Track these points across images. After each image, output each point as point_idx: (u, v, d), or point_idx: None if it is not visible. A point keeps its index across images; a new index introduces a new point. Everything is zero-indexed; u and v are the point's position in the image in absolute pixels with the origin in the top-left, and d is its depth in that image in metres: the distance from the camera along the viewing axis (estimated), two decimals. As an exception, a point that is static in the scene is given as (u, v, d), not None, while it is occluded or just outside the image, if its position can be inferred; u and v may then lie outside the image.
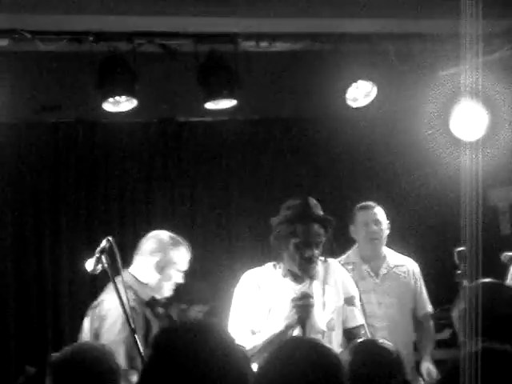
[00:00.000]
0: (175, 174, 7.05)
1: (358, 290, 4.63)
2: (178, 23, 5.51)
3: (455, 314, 3.34)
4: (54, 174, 6.79)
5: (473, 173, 2.32)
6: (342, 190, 7.19)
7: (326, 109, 6.45)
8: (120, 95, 5.57)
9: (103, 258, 4.06)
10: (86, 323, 4.53)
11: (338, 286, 4.49)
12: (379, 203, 5.56)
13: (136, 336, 3.99)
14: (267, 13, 5.47)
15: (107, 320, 4.36)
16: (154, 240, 4.62)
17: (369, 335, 4.56)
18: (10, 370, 6.39)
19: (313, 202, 4.40)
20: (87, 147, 6.84)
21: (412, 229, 7.15)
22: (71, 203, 6.79)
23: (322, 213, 4.40)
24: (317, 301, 4.31)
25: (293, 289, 4.36)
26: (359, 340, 3.66)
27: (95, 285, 5.49)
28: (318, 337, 4.20)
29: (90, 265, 4.10)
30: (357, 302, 4.57)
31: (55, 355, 3.29)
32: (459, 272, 4.84)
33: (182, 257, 4.61)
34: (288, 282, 4.40)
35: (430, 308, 5.66)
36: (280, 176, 7.16)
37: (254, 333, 4.32)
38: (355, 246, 5.59)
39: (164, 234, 4.65)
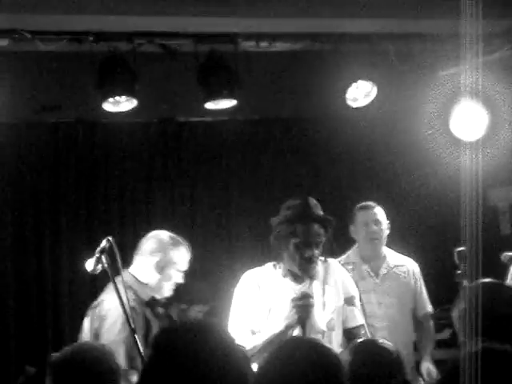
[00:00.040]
0: (175, 174, 7.05)
1: (357, 290, 4.63)
2: (177, 23, 5.51)
3: (455, 314, 3.34)
4: (53, 174, 6.79)
5: (473, 173, 2.32)
6: (342, 190, 7.19)
7: (326, 109, 6.44)
8: (120, 95, 5.57)
9: (103, 258, 4.06)
10: (86, 323, 4.53)
11: (338, 286, 4.49)
12: (379, 203, 5.56)
13: (136, 336, 3.98)
14: (267, 13, 5.47)
15: (107, 320, 4.36)
16: (154, 240, 4.62)
17: (369, 335, 4.56)
18: (10, 370, 6.39)
19: (313, 202, 4.40)
20: (87, 147, 6.84)
21: (412, 229, 7.15)
22: (71, 203, 6.79)
23: (321, 213, 4.40)
24: (317, 301, 4.30)
25: (293, 289, 4.35)
26: (359, 340, 3.66)
27: (95, 285, 5.49)
28: (318, 337, 4.20)
29: (89, 265, 4.10)
30: (357, 301, 4.56)
31: (55, 355, 3.29)
32: (459, 272, 4.84)
33: (181, 257, 4.61)
34: (288, 282, 4.40)
35: (430, 308, 5.65)
36: (280, 176, 7.15)
37: (254, 333, 4.32)
38: (355, 246, 5.59)
39: (164, 234, 4.65)
